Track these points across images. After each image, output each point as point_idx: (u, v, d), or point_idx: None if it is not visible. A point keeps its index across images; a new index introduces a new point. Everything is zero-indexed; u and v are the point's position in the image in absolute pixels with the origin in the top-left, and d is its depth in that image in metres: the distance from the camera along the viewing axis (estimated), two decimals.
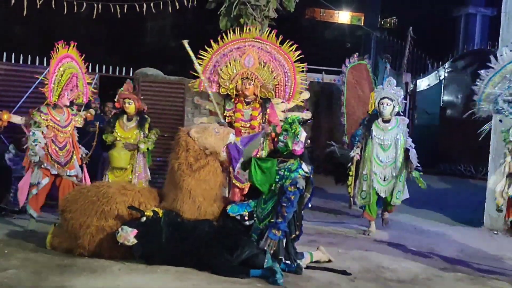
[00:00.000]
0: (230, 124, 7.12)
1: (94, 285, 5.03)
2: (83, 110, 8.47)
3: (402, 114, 8.09)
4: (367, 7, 29.28)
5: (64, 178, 7.33)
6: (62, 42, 7.32)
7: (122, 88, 7.64)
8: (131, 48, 19.95)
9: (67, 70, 7.32)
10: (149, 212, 5.85)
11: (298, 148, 5.91)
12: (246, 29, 7.57)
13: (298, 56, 7.42)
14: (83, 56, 7.63)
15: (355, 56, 11.19)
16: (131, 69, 11.16)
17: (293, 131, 5.89)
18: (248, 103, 7.31)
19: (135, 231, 5.67)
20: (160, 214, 5.87)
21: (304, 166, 5.88)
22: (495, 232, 8.61)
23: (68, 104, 7.39)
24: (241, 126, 7.24)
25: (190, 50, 7.18)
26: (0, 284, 4.92)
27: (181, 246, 5.74)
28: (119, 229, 5.70)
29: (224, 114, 7.29)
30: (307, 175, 5.87)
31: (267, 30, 7.64)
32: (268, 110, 7.30)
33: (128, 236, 5.65)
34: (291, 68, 7.46)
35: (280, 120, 7.18)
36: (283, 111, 7.54)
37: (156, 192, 6.39)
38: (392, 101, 7.69)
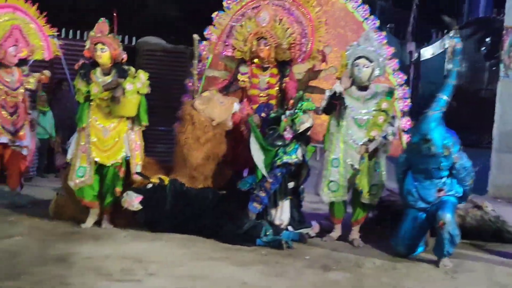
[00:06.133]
0: (244, 90, 6.58)
1: (99, 252, 5.06)
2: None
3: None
4: None
5: (13, 148, 6.55)
6: None
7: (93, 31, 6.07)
8: (133, 17, 19.77)
9: (5, 22, 6.48)
10: (155, 179, 5.87)
11: (287, 135, 5.90)
12: None
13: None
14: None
15: None
16: (133, 38, 11.06)
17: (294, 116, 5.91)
18: (265, 69, 6.56)
19: (140, 197, 5.70)
20: (166, 182, 5.89)
21: (298, 151, 5.89)
22: (499, 200, 8.63)
23: (15, 62, 6.45)
24: (257, 95, 6.55)
25: (197, 47, 6.64)
26: (6, 250, 4.96)
27: (185, 214, 5.78)
28: (124, 194, 5.74)
29: (239, 78, 6.58)
30: (298, 162, 5.88)
31: None
32: (287, 78, 6.51)
33: (133, 201, 5.69)
34: (309, 25, 6.77)
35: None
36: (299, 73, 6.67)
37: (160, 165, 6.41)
38: (371, 62, 5.74)
